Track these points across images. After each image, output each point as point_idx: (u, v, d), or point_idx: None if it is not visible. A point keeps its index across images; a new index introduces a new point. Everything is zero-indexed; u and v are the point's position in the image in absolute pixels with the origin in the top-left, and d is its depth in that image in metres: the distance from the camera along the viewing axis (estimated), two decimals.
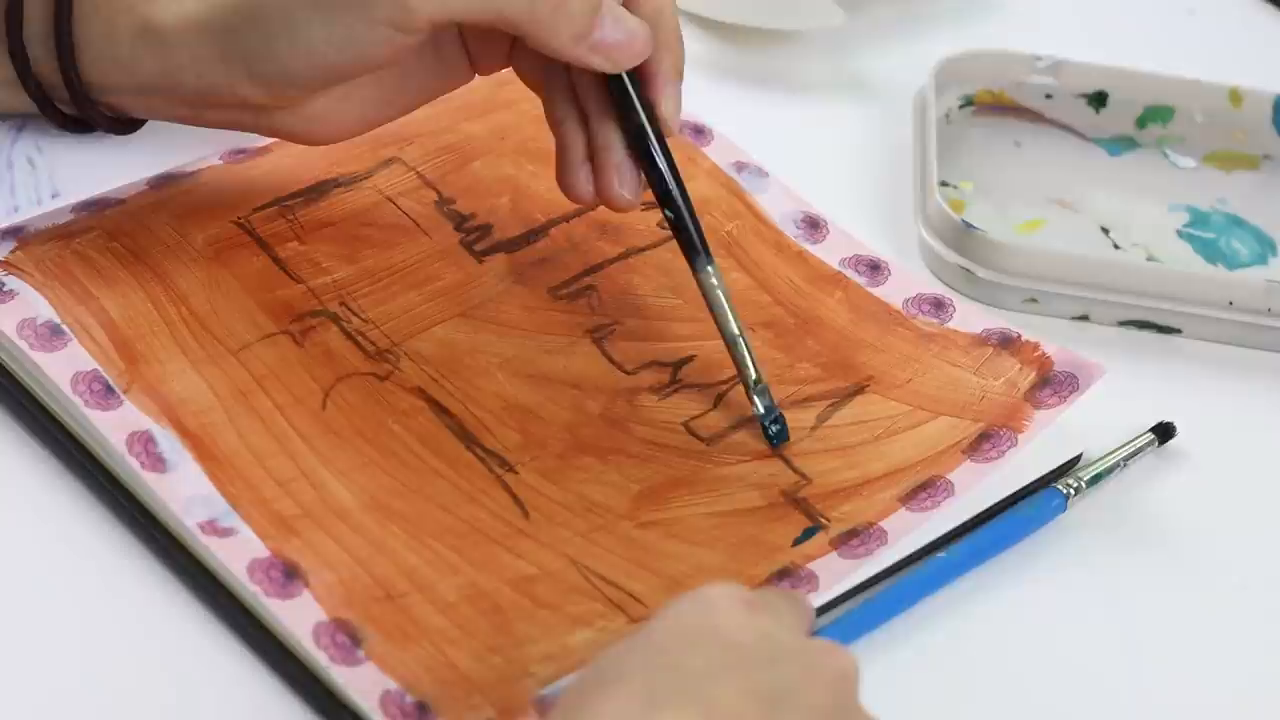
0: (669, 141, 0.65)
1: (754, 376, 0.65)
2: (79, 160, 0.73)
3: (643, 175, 0.65)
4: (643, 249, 0.72)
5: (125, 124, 0.70)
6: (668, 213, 0.65)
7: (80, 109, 0.68)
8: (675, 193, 0.64)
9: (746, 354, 0.65)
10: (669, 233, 0.73)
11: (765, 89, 0.85)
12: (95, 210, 0.69)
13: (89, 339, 0.63)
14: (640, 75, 0.64)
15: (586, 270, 0.71)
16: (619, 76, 0.63)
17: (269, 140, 0.73)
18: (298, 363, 0.65)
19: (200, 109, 0.66)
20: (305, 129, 0.65)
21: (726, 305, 0.65)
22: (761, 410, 0.65)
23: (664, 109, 0.64)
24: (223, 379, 0.63)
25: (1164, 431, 0.69)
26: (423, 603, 0.59)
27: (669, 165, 0.64)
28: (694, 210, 0.65)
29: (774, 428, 0.65)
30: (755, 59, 0.86)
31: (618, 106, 0.64)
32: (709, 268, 0.65)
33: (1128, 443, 0.68)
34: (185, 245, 0.68)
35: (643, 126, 0.64)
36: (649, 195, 0.66)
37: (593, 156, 0.65)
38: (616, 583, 0.60)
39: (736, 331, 0.65)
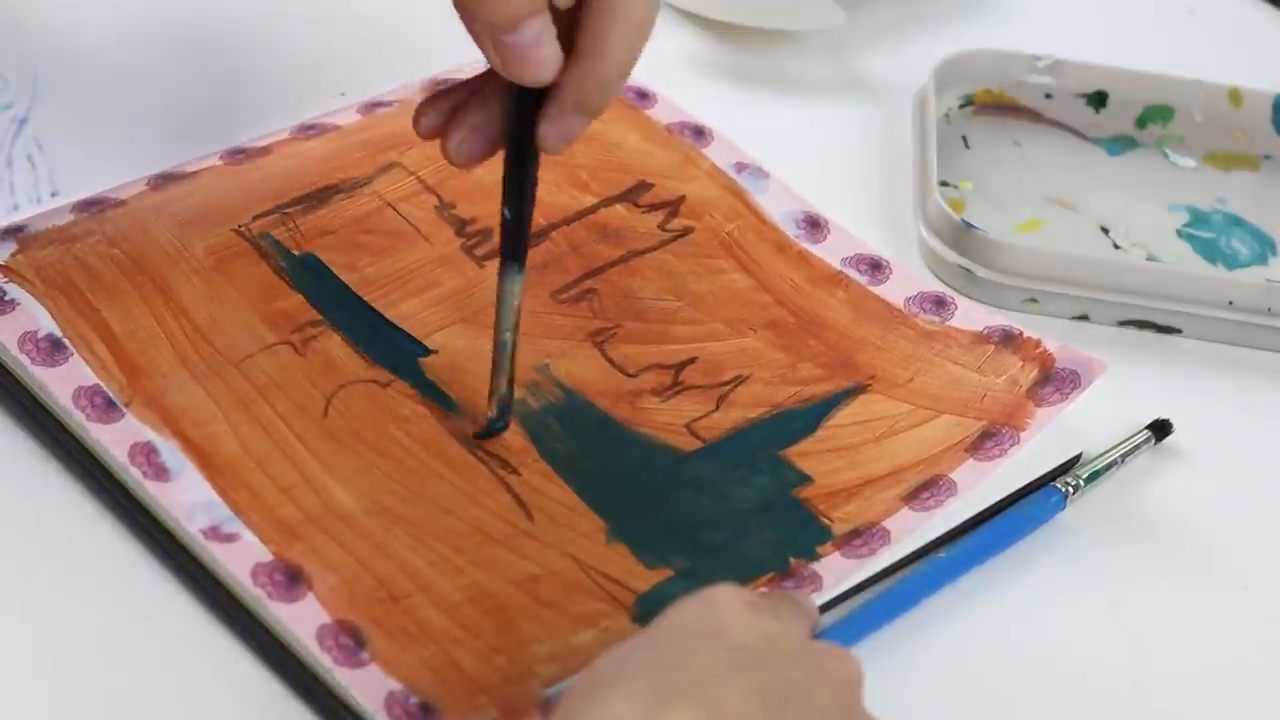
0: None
1: (503, 390, 0.63)
2: (79, 159, 0.73)
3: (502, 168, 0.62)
4: (643, 251, 0.72)
5: None
6: (507, 212, 0.62)
7: None
8: (525, 199, 0.62)
9: (506, 362, 0.63)
10: (669, 235, 0.73)
11: (765, 89, 0.85)
12: (95, 211, 0.69)
13: (90, 353, 0.63)
14: (548, 91, 0.60)
15: (587, 274, 0.71)
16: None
17: (268, 140, 0.73)
18: (299, 371, 0.65)
19: None
20: None
21: (510, 314, 0.63)
22: (492, 414, 0.64)
23: (542, 128, 0.61)
24: (224, 389, 0.63)
25: (1160, 429, 0.69)
26: (426, 604, 0.59)
27: (524, 173, 0.62)
28: (530, 221, 0.63)
29: (492, 426, 0.64)
30: (755, 59, 0.86)
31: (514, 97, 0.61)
32: (517, 277, 0.63)
33: (1124, 440, 0.68)
34: (186, 254, 0.68)
35: (517, 131, 0.61)
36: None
37: (463, 105, 0.62)
38: (621, 581, 0.61)
39: (508, 339, 0.63)
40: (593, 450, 0.64)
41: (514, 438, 0.64)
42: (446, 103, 0.62)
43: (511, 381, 0.64)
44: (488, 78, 0.61)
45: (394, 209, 0.72)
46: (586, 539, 0.62)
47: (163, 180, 0.71)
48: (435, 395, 0.65)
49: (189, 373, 0.64)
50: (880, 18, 0.89)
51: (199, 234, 0.68)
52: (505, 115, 0.61)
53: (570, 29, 0.59)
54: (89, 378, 0.63)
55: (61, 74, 0.77)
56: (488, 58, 0.60)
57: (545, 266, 0.71)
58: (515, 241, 0.63)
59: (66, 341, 0.64)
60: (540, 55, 0.59)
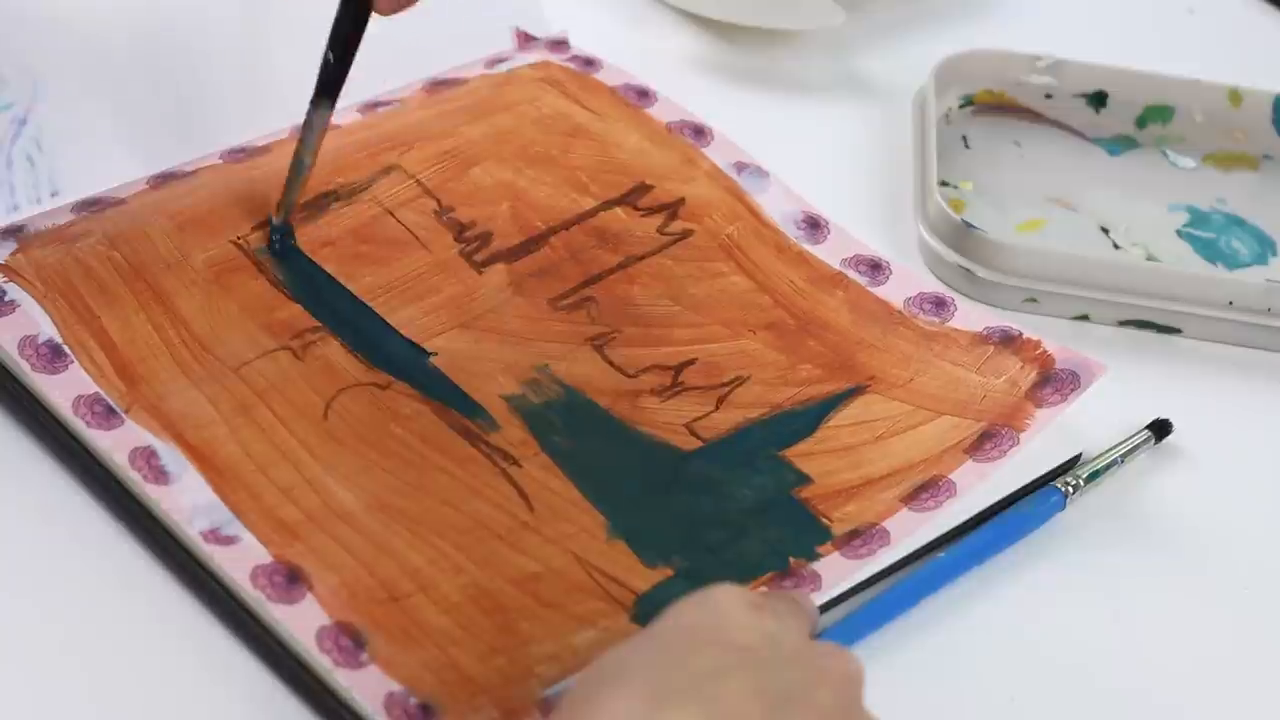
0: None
1: (291, 203, 0.69)
2: (79, 159, 0.73)
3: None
4: (641, 257, 0.72)
5: None
6: (330, 55, 0.68)
7: None
8: (349, 48, 0.68)
9: (299, 180, 0.69)
10: (668, 238, 0.73)
11: (765, 89, 0.85)
12: (95, 210, 0.69)
13: (89, 361, 0.63)
14: None
15: (586, 281, 0.71)
16: None
17: (268, 140, 0.73)
18: (298, 376, 0.65)
19: None
20: None
21: (313, 141, 0.69)
22: (277, 220, 0.69)
23: None
24: (224, 395, 0.63)
25: (1160, 429, 0.69)
26: (426, 603, 0.59)
27: (353, 26, 0.67)
28: (349, 67, 0.68)
29: (276, 236, 0.69)
30: (755, 59, 0.86)
31: None
32: (326, 112, 0.69)
33: (1124, 440, 0.68)
34: (185, 265, 0.68)
35: None
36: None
37: None
38: (621, 580, 0.61)
39: (306, 161, 0.69)
40: (593, 446, 0.65)
41: (514, 430, 0.64)
42: None
43: (297, 197, 0.69)
44: None
45: (393, 215, 0.71)
46: (587, 534, 0.62)
47: (163, 180, 0.71)
48: (435, 397, 0.65)
49: (188, 379, 0.64)
50: (880, 18, 0.89)
51: (198, 243, 0.68)
52: None
53: None
54: (89, 386, 0.63)
55: (61, 74, 0.76)
56: None
57: (544, 274, 0.71)
58: (332, 82, 0.68)
59: (66, 349, 0.64)
60: None
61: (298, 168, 0.69)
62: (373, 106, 0.76)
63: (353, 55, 0.68)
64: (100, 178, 0.71)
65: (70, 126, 0.74)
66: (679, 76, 0.82)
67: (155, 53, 0.79)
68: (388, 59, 0.71)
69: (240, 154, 0.73)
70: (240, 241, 0.69)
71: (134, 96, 0.76)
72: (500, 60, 0.80)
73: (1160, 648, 0.64)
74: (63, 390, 0.62)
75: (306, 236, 0.70)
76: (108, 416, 0.62)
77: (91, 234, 0.68)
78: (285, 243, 0.69)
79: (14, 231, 0.67)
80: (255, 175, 0.72)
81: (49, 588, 0.60)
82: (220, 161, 0.72)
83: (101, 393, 0.62)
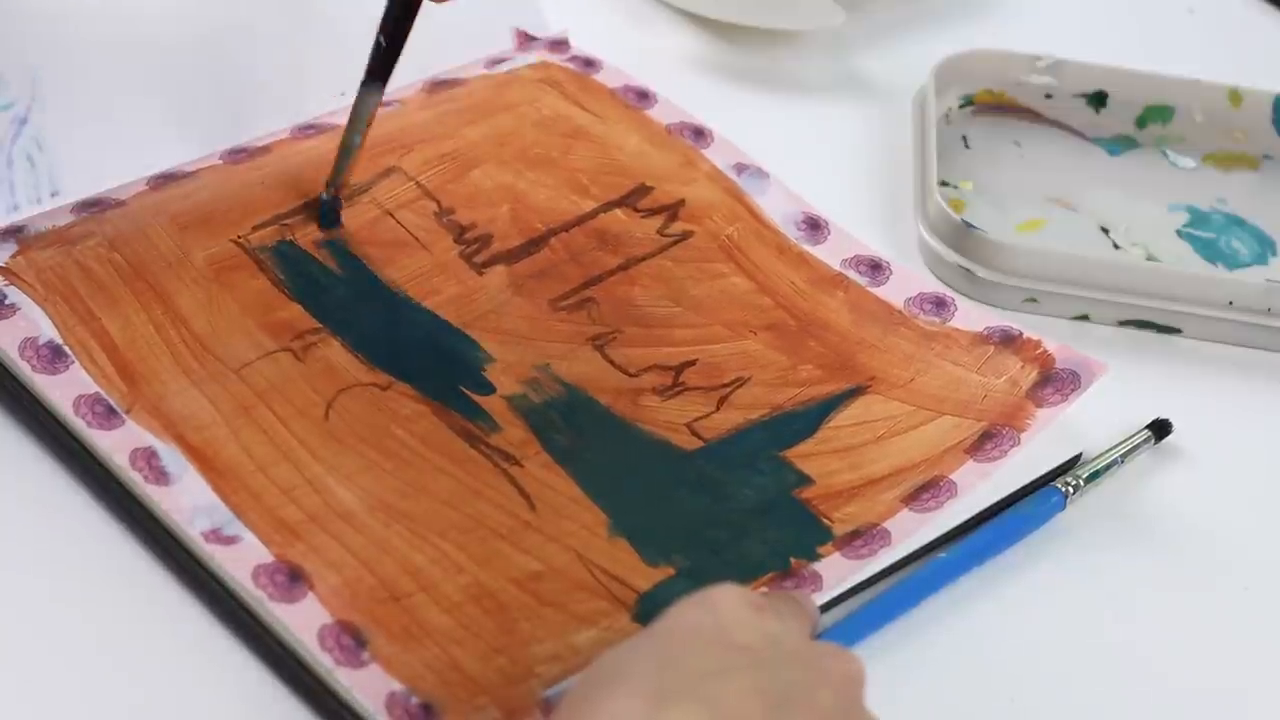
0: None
1: (339, 174, 0.70)
2: (79, 159, 0.73)
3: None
4: (643, 258, 0.72)
5: None
6: (382, 40, 0.69)
7: None
8: (400, 31, 0.69)
9: (348, 159, 0.70)
10: (668, 240, 0.73)
11: (765, 89, 0.85)
12: (95, 211, 0.69)
13: (90, 361, 0.63)
14: None
15: (586, 283, 0.71)
16: None
17: (268, 140, 0.73)
18: (299, 377, 0.65)
19: None
20: None
21: (362, 122, 0.70)
22: (327, 195, 0.70)
23: None
24: (224, 396, 0.63)
25: (1160, 429, 0.69)
26: (428, 603, 0.59)
27: (406, 10, 0.68)
28: (400, 51, 0.69)
29: (325, 210, 0.70)
30: (755, 59, 0.86)
31: None
32: (377, 95, 0.70)
33: (1124, 440, 0.68)
34: (186, 264, 0.68)
35: None
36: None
37: None
38: (623, 579, 0.61)
39: (356, 140, 0.70)
40: (594, 444, 0.65)
41: (516, 431, 0.64)
42: None
43: (346, 175, 0.71)
44: None
45: (393, 217, 0.71)
46: (588, 531, 0.62)
47: (163, 180, 0.71)
48: (436, 398, 0.65)
49: (189, 380, 0.64)
50: (880, 18, 0.89)
51: (198, 242, 0.68)
52: None
53: None
54: (89, 386, 0.63)
55: (61, 74, 0.76)
56: None
57: (544, 275, 0.71)
58: (383, 66, 0.69)
59: (67, 349, 0.64)
60: None
61: (347, 146, 0.70)
62: None
63: (404, 39, 0.68)
64: (100, 178, 0.71)
65: (70, 126, 0.74)
66: (679, 76, 0.82)
67: (155, 53, 0.79)
68: None
69: (241, 154, 0.73)
70: (241, 240, 0.69)
71: (134, 96, 0.76)
72: (500, 60, 0.80)
73: (1160, 648, 0.64)
74: (63, 390, 0.62)
75: (309, 238, 0.70)
76: (108, 417, 0.62)
77: (92, 236, 0.68)
78: (333, 216, 0.70)
79: (14, 232, 0.67)
80: (255, 176, 0.72)
81: (49, 588, 0.60)
82: (220, 162, 0.72)
83: (102, 393, 0.62)
